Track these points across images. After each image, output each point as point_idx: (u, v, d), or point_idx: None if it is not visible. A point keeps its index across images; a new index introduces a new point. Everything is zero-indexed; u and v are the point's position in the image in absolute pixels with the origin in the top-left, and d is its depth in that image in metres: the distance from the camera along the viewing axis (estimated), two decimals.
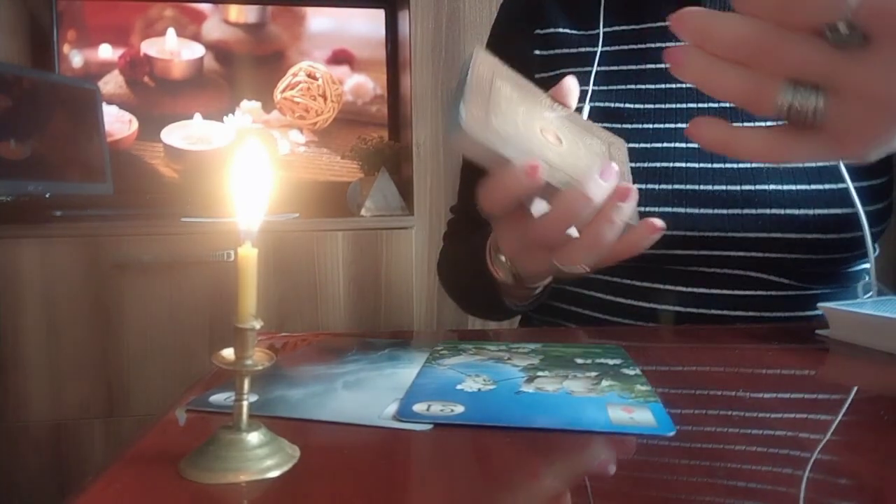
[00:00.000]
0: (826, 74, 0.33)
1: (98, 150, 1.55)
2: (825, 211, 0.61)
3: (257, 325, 0.28)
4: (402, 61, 1.75)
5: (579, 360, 0.45)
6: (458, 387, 0.39)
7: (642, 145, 0.65)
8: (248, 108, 1.75)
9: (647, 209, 0.51)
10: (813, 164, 0.62)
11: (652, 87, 0.67)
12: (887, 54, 0.31)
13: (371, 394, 0.38)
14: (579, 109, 0.66)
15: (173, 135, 1.71)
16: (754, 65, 0.34)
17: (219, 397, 0.37)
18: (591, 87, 0.68)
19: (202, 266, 1.39)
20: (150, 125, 1.70)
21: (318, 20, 1.77)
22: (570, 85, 0.49)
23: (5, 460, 1.32)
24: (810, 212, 0.61)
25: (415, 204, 1.55)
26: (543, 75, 0.73)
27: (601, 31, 0.70)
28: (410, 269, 1.51)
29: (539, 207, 0.44)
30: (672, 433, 0.32)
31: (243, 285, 0.28)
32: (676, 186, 0.63)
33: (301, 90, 1.76)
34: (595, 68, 0.69)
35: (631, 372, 0.42)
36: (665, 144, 0.65)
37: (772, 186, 0.61)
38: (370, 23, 1.78)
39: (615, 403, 0.36)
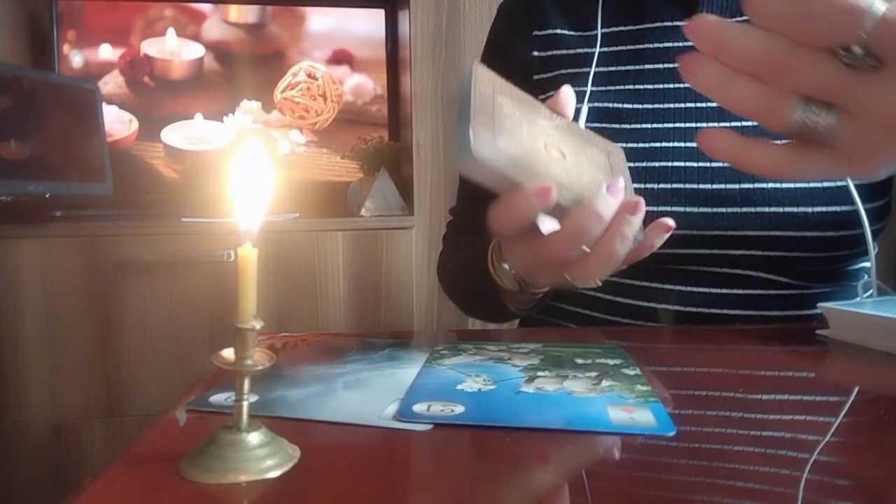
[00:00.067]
0: (839, 93, 0.33)
1: (98, 150, 1.55)
2: (824, 208, 0.61)
3: (257, 325, 0.28)
4: (402, 61, 1.75)
5: (579, 360, 0.45)
6: (459, 387, 0.39)
7: (641, 145, 0.65)
8: (249, 108, 1.75)
9: (647, 209, 0.52)
10: None
11: (650, 87, 0.67)
12: None
13: (371, 394, 0.38)
14: (578, 110, 0.67)
15: (173, 135, 1.71)
16: (768, 79, 0.35)
17: (219, 397, 0.37)
18: (589, 88, 0.68)
19: (202, 266, 1.39)
20: (150, 125, 1.70)
21: (318, 20, 1.77)
22: (567, 96, 0.50)
23: (5, 460, 1.32)
24: (809, 209, 0.61)
25: (415, 204, 1.55)
26: (542, 76, 0.73)
27: (599, 32, 0.70)
28: (410, 269, 1.51)
29: (549, 225, 0.45)
30: (672, 433, 0.32)
31: (243, 285, 0.28)
32: (675, 185, 0.63)
33: (301, 90, 1.76)
34: (593, 69, 0.69)
35: (631, 372, 0.42)
36: (664, 144, 0.65)
37: (771, 184, 0.61)
38: (370, 23, 1.79)
39: (615, 403, 0.36)
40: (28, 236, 1.32)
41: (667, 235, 0.46)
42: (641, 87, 0.68)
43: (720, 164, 0.63)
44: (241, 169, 0.29)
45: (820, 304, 0.53)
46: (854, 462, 0.30)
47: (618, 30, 0.71)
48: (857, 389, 0.43)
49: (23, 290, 1.32)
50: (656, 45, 0.68)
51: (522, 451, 0.30)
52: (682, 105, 0.66)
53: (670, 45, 0.68)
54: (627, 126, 0.66)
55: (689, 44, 0.74)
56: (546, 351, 0.48)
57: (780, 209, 0.61)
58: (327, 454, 0.30)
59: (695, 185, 0.63)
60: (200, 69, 1.72)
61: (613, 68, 0.69)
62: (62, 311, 1.34)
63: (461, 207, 0.81)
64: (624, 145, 0.65)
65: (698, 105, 0.65)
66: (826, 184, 0.61)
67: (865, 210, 0.60)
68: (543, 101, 0.49)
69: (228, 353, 0.29)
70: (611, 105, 0.68)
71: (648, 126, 0.66)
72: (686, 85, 0.66)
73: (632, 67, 0.69)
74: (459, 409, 0.35)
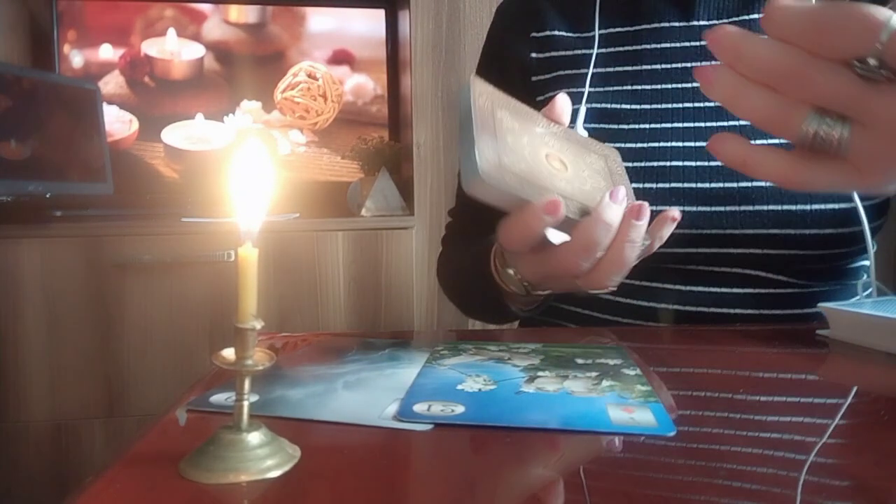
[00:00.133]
0: (853, 105, 0.33)
1: (98, 150, 1.55)
2: (823, 206, 0.61)
3: (258, 325, 0.28)
4: (402, 61, 1.75)
5: (579, 360, 0.45)
6: (459, 387, 0.39)
7: (639, 145, 0.65)
8: (249, 108, 1.75)
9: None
10: None
11: (648, 87, 0.68)
12: None
13: (371, 394, 0.38)
14: (576, 111, 0.67)
15: (174, 135, 1.71)
16: (782, 90, 0.35)
17: (219, 397, 0.37)
18: (587, 89, 0.69)
19: (202, 266, 1.39)
20: (151, 125, 1.70)
21: (319, 20, 1.77)
22: (563, 104, 0.51)
23: (5, 460, 1.32)
24: (808, 207, 0.61)
25: (415, 204, 1.55)
26: (540, 78, 0.73)
27: (596, 33, 0.71)
28: (410, 269, 1.51)
29: (558, 237, 0.45)
30: (672, 433, 0.32)
31: (243, 285, 0.28)
32: (674, 185, 0.64)
33: (301, 90, 1.76)
34: (591, 70, 0.69)
35: (631, 372, 0.42)
36: (661, 144, 0.65)
37: (769, 182, 0.62)
38: (370, 23, 1.79)
39: (615, 403, 0.36)
40: (28, 236, 1.32)
41: (673, 226, 0.47)
42: (639, 87, 0.68)
43: (718, 163, 0.63)
44: (242, 169, 0.29)
45: (820, 305, 0.53)
46: (854, 462, 0.30)
47: (615, 31, 0.71)
48: (857, 390, 0.43)
49: (23, 290, 1.32)
50: (654, 45, 0.69)
51: (522, 451, 0.30)
52: (680, 105, 0.66)
53: (667, 45, 0.68)
54: (626, 126, 0.67)
55: (687, 44, 0.75)
56: (546, 351, 0.48)
57: (779, 207, 0.61)
58: (327, 454, 0.30)
59: (693, 184, 0.63)
60: (200, 69, 1.72)
61: (611, 69, 0.70)
62: (62, 311, 1.34)
63: (460, 209, 0.81)
64: (622, 145, 0.65)
65: (696, 105, 0.66)
66: None
67: (864, 207, 0.60)
68: (542, 102, 0.50)
69: (229, 353, 0.29)
70: (609, 105, 0.68)
71: (647, 126, 0.66)
72: (684, 85, 0.67)
73: (629, 68, 0.69)
74: (460, 409, 0.35)
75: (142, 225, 1.40)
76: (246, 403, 0.28)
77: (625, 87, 0.68)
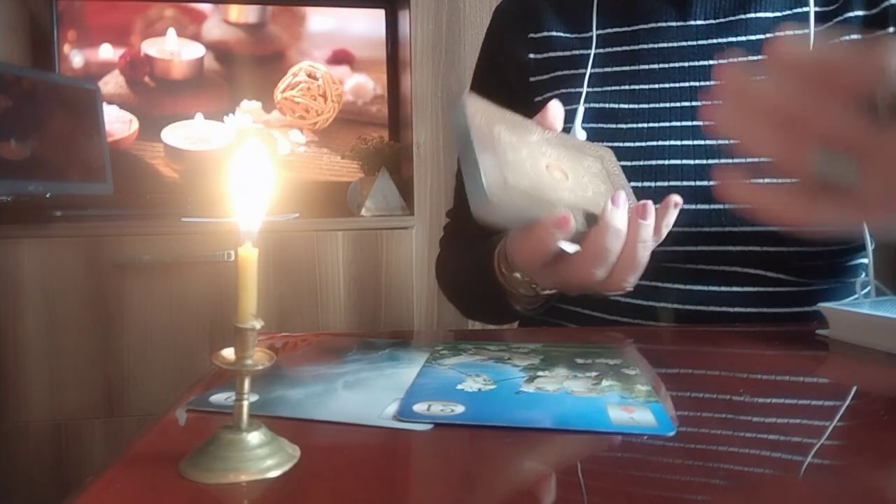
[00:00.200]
0: (859, 144, 0.34)
1: (98, 150, 1.55)
2: None
3: (257, 324, 0.28)
4: (402, 61, 1.75)
5: (579, 360, 0.45)
6: (459, 387, 0.39)
7: (637, 144, 0.66)
8: (249, 108, 1.75)
9: None
10: None
11: (645, 87, 0.68)
12: None
13: (371, 394, 0.38)
14: (574, 111, 0.67)
15: (173, 135, 1.71)
16: (788, 129, 0.35)
17: (219, 397, 0.37)
18: (585, 89, 0.69)
19: (202, 266, 1.39)
20: (151, 125, 1.70)
21: (318, 20, 1.77)
22: (556, 111, 0.51)
23: (5, 460, 1.32)
24: None
25: (415, 204, 1.55)
26: (538, 78, 0.74)
27: (594, 33, 0.71)
28: (410, 269, 1.51)
29: (571, 246, 0.46)
30: (672, 433, 0.32)
31: (243, 285, 0.28)
32: (673, 183, 0.64)
33: (301, 90, 1.76)
34: (589, 70, 0.70)
35: (631, 372, 0.42)
36: (659, 143, 0.65)
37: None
38: (370, 23, 1.79)
39: (615, 403, 0.36)
40: (28, 236, 1.32)
41: (677, 211, 0.48)
42: (637, 87, 0.68)
43: (716, 162, 0.63)
44: (241, 169, 0.29)
45: (820, 305, 0.53)
46: (854, 462, 0.30)
47: (612, 31, 0.71)
48: (856, 390, 0.43)
49: (23, 290, 1.32)
50: (651, 45, 0.69)
51: (522, 451, 0.30)
52: (678, 104, 0.67)
53: (664, 45, 0.69)
54: (624, 126, 0.67)
55: (684, 43, 0.75)
56: (546, 351, 0.48)
57: None
58: (327, 454, 0.30)
59: (692, 183, 0.63)
60: (200, 69, 1.72)
61: (609, 69, 0.70)
62: (62, 311, 1.34)
63: (459, 211, 0.82)
64: (621, 144, 0.66)
65: (693, 104, 0.66)
66: None
67: None
68: (541, 103, 0.50)
69: (229, 353, 0.29)
70: (607, 105, 0.68)
71: (644, 125, 0.66)
72: (681, 84, 0.67)
73: (627, 68, 0.69)
74: (459, 408, 0.35)
75: (142, 225, 1.40)
76: (246, 403, 0.28)
77: (622, 87, 0.69)
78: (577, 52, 0.72)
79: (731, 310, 0.64)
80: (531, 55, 0.74)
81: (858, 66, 0.32)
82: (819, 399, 0.40)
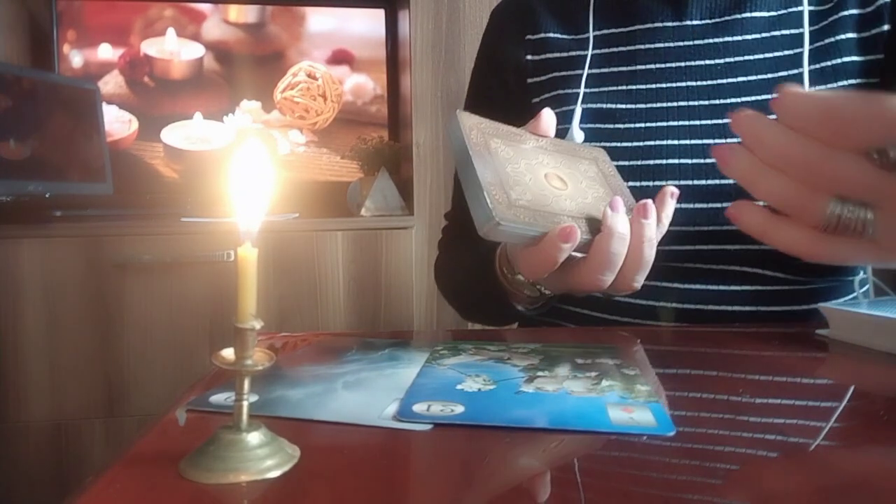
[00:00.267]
0: (872, 193, 0.34)
1: (98, 150, 1.55)
2: None
3: (257, 325, 0.28)
4: (402, 61, 1.75)
5: (579, 360, 0.45)
6: (458, 387, 0.39)
7: (635, 144, 0.66)
8: (248, 108, 1.75)
9: None
10: None
11: (642, 87, 0.68)
12: None
13: (371, 394, 0.38)
14: (571, 111, 0.68)
15: (173, 135, 1.71)
16: (801, 179, 0.36)
17: (219, 397, 0.37)
18: (582, 90, 0.69)
19: (202, 266, 1.39)
20: (150, 125, 1.70)
21: (318, 20, 1.77)
22: (548, 119, 0.52)
23: (5, 460, 1.32)
24: None
25: (415, 204, 1.55)
26: (536, 80, 0.74)
27: (591, 34, 0.72)
28: (410, 269, 1.51)
29: (576, 254, 0.47)
30: (672, 433, 0.32)
31: (243, 285, 0.28)
32: (670, 183, 0.64)
33: (301, 90, 1.76)
34: (586, 71, 0.70)
35: (631, 372, 0.42)
36: (657, 142, 0.66)
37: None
38: (370, 23, 1.79)
39: (615, 403, 0.36)
40: (28, 236, 1.32)
41: (674, 201, 0.49)
42: (634, 87, 0.69)
43: (714, 160, 0.64)
44: (241, 169, 0.29)
45: (820, 305, 0.53)
46: (854, 462, 0.30)
47: (609, 32, 0.72)
48: (857, 390, 0.43)
49: (23, 290, 1.32)
50: (647, 45, 0.69)
51: (522, 451, 0.30)
52: (675, 104, 0.67)
53: (661, 45, 0.69)
54: (621, 126, 0.67)
55: (680, 43, 0.76)
56: (546, 351, 0.48)
57: None
58: (327, 454, 0.30)
59: (690, 182, 0.64)
60: (200, 69, 1.72)
61: (606, 70, 0.70)
62: (62, 311, 1.34)
63: (457, 212, 0.82)
64: (618, 144, 0.66)
65: (690, 103, 0.66)
66: None
67: None
68: (538, 104, 0.51)
69: (228, 353, 0.29)
70: (604, 106, 0.69)
71: (642, 125, 0.67)
72: (678, 84, 0.68)
73: (624, 68, 0.70)
74: (459, 408, 0.35)
75: (142, 225, 1.40)
76: (246, 403, 0.28)
77: (620, 87, 0.69)
78: (574, 53, 0.72)
79: (730, 308, 0.64)
80: (528, 57, 0.74)
81: (865, 119, 0.33)
82: (819, 399, 0.40)
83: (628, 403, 0.36)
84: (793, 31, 0.66)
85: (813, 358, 0.50)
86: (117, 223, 1.40)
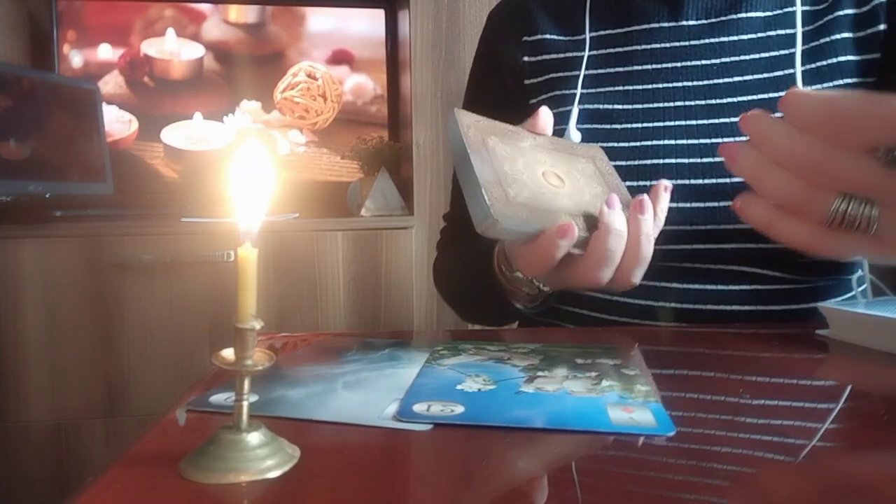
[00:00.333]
0: (877, 191, 0.34)
1: (98, 150, 1.55)
2: None
3: (257, 325, 0.28)
4: (402, 61, 1.75)
5: (579, 360, 0.45)
6: (459, 387, 0.39)
7: (632, 144, 0.66)
8: (248, 108, 1.75)
9: None
10: None
11: (639, 87, 0.69)
12: None
13: (371, 394, 0.38)
14: (569, 112, 0.68)
15: (173, 135, 1.71)
16: (805, 177, 0.36)
17: (219, 397, 0.37)
18: (579, 91, 0.69)
19: (202, 266, 1.39)
20: (150, 125, 1.70)
21: (318, 20, 1.77)
22: (545, 117, 0.52)
23: (5, 460, 1.32)
24: None
25: (415, 204, 1.55)
26: (533, 81, 0.74)
27: (587, 35, 0.72)
28: (410, 269, 1.51)
29: (576, 250, 0.47)
30: (672, 433, 0.32)
31: (243, 285, 0.28)
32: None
33: (301, 90, 1.76)
34: (583, 72, 0.70)
35: (631, 372, 0.42)
36: (654, 142, 0.66)
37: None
38: (370, 23, 1.79)
39: (615, 403, 0.36)
40: (28, 236, 1.32)
41: (668, 195, 0.50)
42: (631, 87, 0.69)
43: (711, 160, 0.64)
44: (241, 169, 0.29)
45: (820, 305, 0.53)
46: (854, 462, 0.30)
47: (606, 33, 0.72)
48: (857, 390, 0.43)
49: (23, 290, 1.32)
50: (644, 46, 0.70)
51: (522, 452, 0.30)
52: (671, 104, 0.67)
53: (657, 46, 0.69)
54: (618, 126, 0.67)
55: (676, 44, 0.76)
56: (546, 351, 0.48)
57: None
58: (327, 454, 0.30)
59: (687, 181, 0.64)
60: (200, 69, 1.72)
61: (603, 70, 0.71)
62: (62, 311, 1.34)
63: (456, 213, 0.82)
64: (615, 145, 0.66)
65: (687, 103, 0.67)
66: None
67: None
68: (536, 105, 0.51)
69: (228, 353, 0.29)
70: (601, 106, 0.69)
71: (639, 125, 0.67)
72: (675, 84, 0.68)
73: (621, 69, 0.70)
74: (459, 409, 0.35)
75: (142, 225, 1.40)
76: (246, 403, 0.28)
77: (616, 88, 0.69)
78: (570, 54, 0.73)
79: (729, 308, 0.64)
80: (525, 58, 0.75)
81: (869, 119, 0.33)
82: (819, 400, 0.40)
83: (628, 403, 0.36)
84: (788, 31, 0.66)
85: (813, 358, 0.50)
86: (117, 223, 1.40)
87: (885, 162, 0.33)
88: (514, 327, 0.79)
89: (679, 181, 0.64)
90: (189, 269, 1.38)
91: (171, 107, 1.71)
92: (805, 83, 0.63)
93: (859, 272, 0.64)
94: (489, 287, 0.60)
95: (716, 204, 0.63)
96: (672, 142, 0.65)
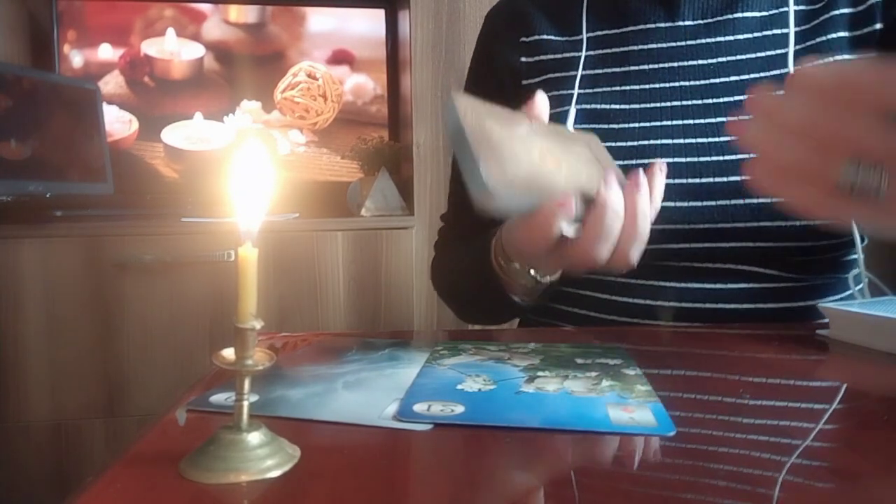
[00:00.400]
0: (887, 155, 0.34)
1: (98, 150, 1.55)
2: None
3: (257, 325, 0.28)
4: (402, 61, 1.75)
5: (579, 360, 0.45)
6: (459, 387, 0.39)
7: (629, 144, 0.66)
8: (249, 108, 1.75)
9: None
10: None
11: (636, 87, 0.69)
12: None
13: (371, 394, 0.38)
14: (566, 112, 0.68)
15: (173, 135, 1.71)
16: (816, 143, 0.36)
17: (219, 397, 0.37)
18: (576, 91, 0.70)
19: (202, 266, 1.39)
20: (151, 125, 1.70)
21: (318, 20, 1.77)
22: (541, 103, 0.52)
23: (5, 460, 1.32)
24: None
25: (415, 204, 1.55)
26: (531, 81, 0.74)
27: (584, 36, 0.72)
28: (410, 269, 1.51)
29: (573, 231, 0.47)
30: (672, 433, 0.32)
31: (243, 285, 0.28)
32: (665, 181, 0.64)
33: (301, 90, 1.76)
34: (580, 72, 0.71)
35: (631, 372, 0.42)
36: (651, 142, 0.66)
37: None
38: (370, 23, 1.78)
39: (615, 403, 0.36)
40: (28, 236, 1.32)
41: (663, 176, 0.50)
42: (628, 87, 0.69)
43: (708, 159, 0.64)
44: (241, 169, 0.29)
45: (820, 305, 0.53)
46: (854, 462, 0.30)
47: (602, 33, 0.72)
48: (857, 390, 0.43)
49: (23, 290, 1.32)
50: (641, 46, 0.70)
51: (522, 451, 0.30)
52: (668, 104, 0.67)
53: (654, 46, 0.69)
54: (615, 126, 0.68)
55: (673, 44, 0.76)
56: (546, 351, 0.48)
57: (768, 199, 0.62)
58: (327, 454, 0.30)
59: (684, 180, 0.64)
60: (200, 69, 1.72)
61: (600, 71, 0.71)
62: (62, 310, 1.34)
63: (453, 213, 0.82)
64: (613, 144, 0.66)
65: (683, 103, 0.67)
66: None
67: None
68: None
69: (229, 353, 0.29)
70: (598, 106, 0.69)
71: (636, 125, 0.67)
72: (671, 84, 0.68)
73: (618, 69, 0.70)
74: (459, 408, 0.35)
75: (142, 225, 1.40)
76: (246, 403, 0.28)
77: (614, 88, 0.70)
78: (567, 54, 0.73)
79: (727, 306, 0.64)
80: (523, 59, 0.75)
81: (880, 83, 0.33)
82: (819, 400, 0.40)
83: (628, 403, 0.36)
84: (784, 31, 0.66)
85: (813, 359, 0.50)
86: (118, 223, 1.40)
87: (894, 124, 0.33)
88: (514, 327, 0.79)
89: (676, 180, 0.64)
90: (189, 269, 1.38)
91: (172, 107, 1.71)
92: None
93: (856, 270, 0.64)
94: (487, 282, 0.60)
95: (713, 203, 0.63)
96: (669, 141, 0.66)
